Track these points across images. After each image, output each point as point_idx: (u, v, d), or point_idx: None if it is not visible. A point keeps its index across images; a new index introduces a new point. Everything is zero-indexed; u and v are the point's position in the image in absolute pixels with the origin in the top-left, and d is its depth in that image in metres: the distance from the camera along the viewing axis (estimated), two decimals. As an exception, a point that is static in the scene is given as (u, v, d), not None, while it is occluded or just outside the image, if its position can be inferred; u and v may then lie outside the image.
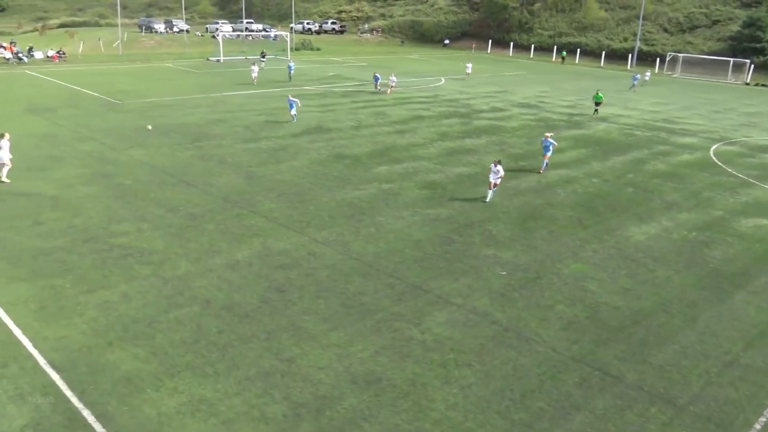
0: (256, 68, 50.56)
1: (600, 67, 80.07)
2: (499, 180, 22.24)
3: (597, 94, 43.22)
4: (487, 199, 22.20)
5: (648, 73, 66.17)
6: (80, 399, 10.59)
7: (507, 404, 11.15)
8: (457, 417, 10.74)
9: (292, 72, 52.95)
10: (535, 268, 16.99)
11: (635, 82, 58.50)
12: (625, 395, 11.62)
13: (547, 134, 26.99)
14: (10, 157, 21.93)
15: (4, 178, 21.59)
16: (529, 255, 17.89)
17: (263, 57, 64.25)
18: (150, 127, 26.03)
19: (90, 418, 10.15)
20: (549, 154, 26.59)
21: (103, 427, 9.98)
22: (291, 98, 34.45)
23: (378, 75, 49.54)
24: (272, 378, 11.50)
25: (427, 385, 11.55)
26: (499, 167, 22.03)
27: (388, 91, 47.76)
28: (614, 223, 20.96)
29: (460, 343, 13.03)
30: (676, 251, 18.86)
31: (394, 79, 48.71)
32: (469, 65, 62.19)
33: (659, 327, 14.23)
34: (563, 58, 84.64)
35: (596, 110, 42.91)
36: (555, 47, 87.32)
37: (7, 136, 22.05)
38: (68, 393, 10.74)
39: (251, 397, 10.95)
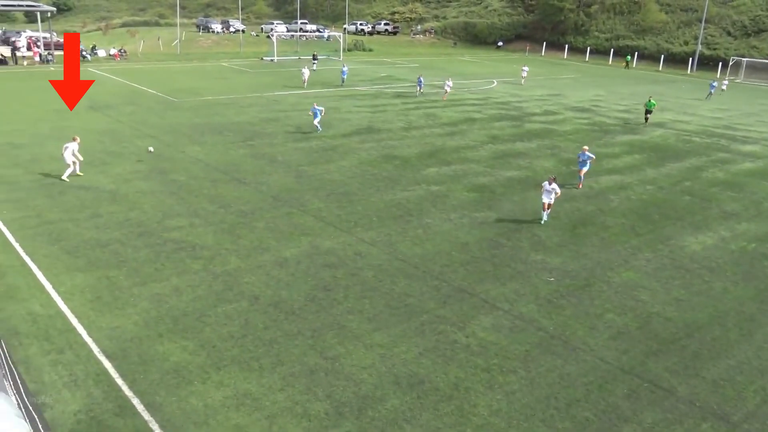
0: (306, 71, 49.16)
1: (658, 71, 77.89)
2: (554, 199, 19.97)
3: (649, 101, 39.74)
4: (543, 221, 20.19)
5: (726, 82, 61.43)
6: (130, 388, 10.91)
7: (552, 413, 10.96)
8: (500, 423, 10.61)
9: (345, 76, 51.32)
10: (584, 276, 16.65)
11: (712, 90, 55.00)
12: (676, 409, 11.27)
13: (585, 147, 24.40)
14: (74, 159, 22.40)
15: (64, 177, 22.16)
16: (579, 262, 17.55)
17: (315, 59, 62.51)
18: (151, 149, 26.21)
19: (139, 407, 10.44)
20: (585, 169, 24.29)
21: (152, 416, 10.25)
22: (316, 106, 31.24)
23: (422, 78, 47.55)
24: (316, 375, 11.60)
25: (471, 390, 11.46)
26: (554, 185, 19.58)
27: (444, 97, 45.27)
28: (669, 232, 20.37)
29: (505, 349, 12.87)
30: (734, 262, 18.20)
31: (449, 84, 46.02)
32: (525, 69, 58.56)
33: (714, 340, 13.75)
34: (627, 62, 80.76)
35: (647, 118, 39.96)
36: (612, 50, 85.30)
37: (77, 140, 22.62)
38: (119, 381, 11.07)
39: (295, 393, 11.06)
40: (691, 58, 78.76)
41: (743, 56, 75.16)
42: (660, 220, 21.56)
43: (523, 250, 18.17)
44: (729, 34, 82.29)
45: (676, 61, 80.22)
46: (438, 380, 11.68)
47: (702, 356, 13.07)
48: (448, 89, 45.67)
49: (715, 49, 79.79)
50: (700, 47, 79.26)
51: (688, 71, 77.13)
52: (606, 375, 12.18)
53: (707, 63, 77.95)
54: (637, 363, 12.66)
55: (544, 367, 12.32)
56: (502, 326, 13.78)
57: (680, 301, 15.48)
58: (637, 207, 22.83)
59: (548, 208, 20.14)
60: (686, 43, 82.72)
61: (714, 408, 11.37)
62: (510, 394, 11.41)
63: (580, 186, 24.57)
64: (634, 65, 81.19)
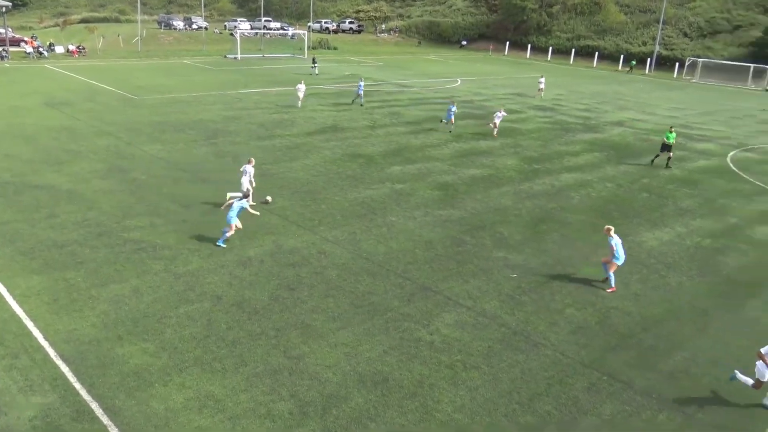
0: (303, 87, 39.19)
1: (618, 70, 79.40)
2: None
3: (669, 132, 29.48)
4: None
5: None
6: (89, 392, 10.69)
7: (514, 407, 11.11)
8: (464, 419, 10.72)
9: (361, 92, 40.93)
10: (545, 272, 16.91)
11: None
12: (634, 401, 11.54)
13: (609, 227, 16.05)
14: (249, 187, 19.47)
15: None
16: (540, 258, 17.81)
17: (314, 63, 56.80)
18: (269, 198, 20.68)
19: (98, 411, 10.24)
20: (620, 263, 15.82)
21: (111, 420, 10.06)
22: (230, 220, 16.90)
23: (454, 106, 34.84)
24: (280, 375, 11.54)
25: (434, 387, 11.54)
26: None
27: (495, 133, 34.40)
28: (627, 229, 20.79)
29: (468, 345, 13.00)
30: (689, 258, 18.69)
31: (500, 114, 34.74)
32: (542, 80, 50.29)
33: (670, 334, 14.11)
34: (632, 67, 78.14)
35: (669, 157, 29.40)
36: (573, 50, 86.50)
37: (252, 162, 19.85)
38: (77, 385, 10.84)
39: (258, 394, 10.99)
40: (649, 59, 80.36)
41: (699, 57, 77.06)
42: (619, 216, 22.00)
43: (486, 247, 18.36)
44: (685, 35, 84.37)
45: (635, 60, 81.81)
46: (402, 377, 11.74)
47: (658, 349, 13.40)
48: (498, 120, 34.58)
49: (672, 49, 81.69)
50: (657, 48, 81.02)
51: (647, 71, 78.73)
52: (567, 369, 12.40)
53: (664, 63, 79.75)
54: (596, 357, 12.91)
55: (506, 362, 12.48)
56: (465, 323, 13.91)
57: (638, 296, 15.84)
58: (596, 204, 23.26)
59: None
60: (644, 43, 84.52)
61: (670, 399, 11.67)
62: (473, 389, 11.53)
63: (614, 290, 16.05)
64: (593, 64, 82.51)
